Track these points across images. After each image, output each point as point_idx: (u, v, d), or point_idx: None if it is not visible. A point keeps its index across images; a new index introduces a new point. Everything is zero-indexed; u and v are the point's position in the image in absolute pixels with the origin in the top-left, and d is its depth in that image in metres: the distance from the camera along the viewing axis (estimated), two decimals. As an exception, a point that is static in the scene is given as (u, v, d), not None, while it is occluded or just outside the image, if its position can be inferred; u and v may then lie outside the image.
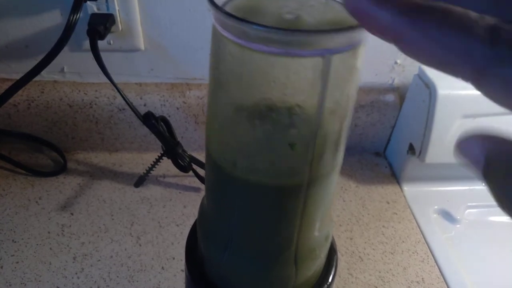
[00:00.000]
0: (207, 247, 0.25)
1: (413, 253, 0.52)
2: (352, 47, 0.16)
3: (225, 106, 0.19)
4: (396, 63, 0.59)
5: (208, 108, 0.20)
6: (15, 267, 0.47)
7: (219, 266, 0.24)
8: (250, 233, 0.22)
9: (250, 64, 0.17)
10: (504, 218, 0.59)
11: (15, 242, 0.50)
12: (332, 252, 0.28)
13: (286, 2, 0.19)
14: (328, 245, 0.25)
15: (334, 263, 0.28)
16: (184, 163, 0.55)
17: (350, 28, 0.15)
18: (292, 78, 0.16)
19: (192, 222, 0.54)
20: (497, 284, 0.51)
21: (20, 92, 0.49)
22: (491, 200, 0.47)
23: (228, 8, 0.18)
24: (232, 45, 0.16)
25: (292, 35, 0.15)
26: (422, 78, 0.56)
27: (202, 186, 0.59)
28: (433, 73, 0.55)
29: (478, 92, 0.46)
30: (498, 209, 0.48)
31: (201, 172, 0.58)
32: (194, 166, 0.57)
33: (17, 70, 0.54)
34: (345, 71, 0.17)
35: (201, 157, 0.58)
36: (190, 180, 0.60)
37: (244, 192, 0.21)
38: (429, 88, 0.54)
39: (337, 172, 0.21)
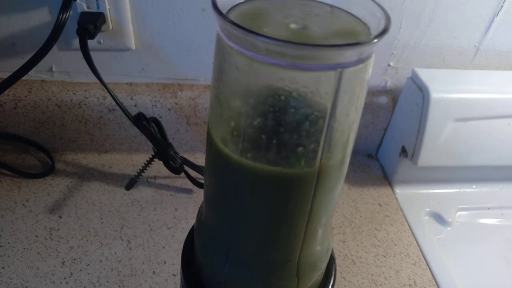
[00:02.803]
0: (206, 258, 0.24)
1: (405, 256, 0.53)
2: (363, 61, 0.16)
3: (229, 119, 0.18)
4: (389, 65, 0.59)
5: (210, 119, 0.19)
6: (1, 273, 0.45)
7: (218, 277, 0.24)
8: (252, 244, 0.22)
9: (258, 76, 0.16)
10: (494, 220, 0.60)
11: (1, 246, 0.48)
12: (331, 261, 0.28)
13: (291, 10, 0.19)
14: (328, 257, 0.25)
15: (333, 272, 0.28)
16: (175, 165, 0.54)
17: (363, 43, 0.14)
18: (301, 92, 0.16)
19: (183, 225, 0.53)
20: (487, 285, 0.51)
21: (6, 91, 0.48)
22: (481, 203, 0.48)
23: (232, 16, 0.18)
24: (239, 56, 0.16)
25: (305, 49, 0.14)
26: (415, 81, 0.56)
27: (194, 188, 0.58)
28: (426, 77, 0.55)
29: (470, 96, 0.46)
30: (488, 212, 0.49)
31: (193, 173, 0.57)
32: (186, 168, 0.56)
33: (3, 68, 0.53)
34: (355, 83, 0.16)
35: (193, 158, 0.57)
36: (182, 182, 0.59)
37: (248, 199, 0.20)
38: (422, 91, 0.54)
39: (342, 182, 0.21)
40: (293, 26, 0.17)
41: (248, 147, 0.18)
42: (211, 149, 0.20)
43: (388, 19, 0.16)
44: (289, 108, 0.16)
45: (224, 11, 0.17)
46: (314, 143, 0.17)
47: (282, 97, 0.16)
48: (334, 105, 0.16)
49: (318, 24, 0.18)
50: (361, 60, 0.16)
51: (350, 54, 0.15)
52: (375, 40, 0.15)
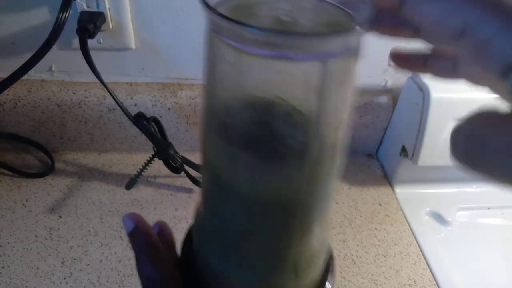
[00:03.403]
0: (203, 257, 0.24)
1: (405, 255, 0.53)
2: (350, 51, 0.16)
3: (221, 112, 0.18)
4: (389, 65, 0.59)
5: (203, 115, 0.19)
6: (1, 272, 0.45)
7: (216, 276, 0.24)
8: (249, 244, 0.22)
9: (246, 68, 0.16)
10: (494, 220, 0.59)
11: (1, 246, 0.48)
12: (329, 257, 0.28)
13: (279, 3, 0.19)
14: (326, 254, 0.25)
15: (331, 268, 0.28)
16: (176, 164, 0.54)
17: (349, 31, 0.15)
18: (289, 82, 0.16)
19: (183, 225, 0.53)
20: (487, 285, 0.51)
21: (6, 91, 0.48)
22: (481, 202, 0.48)
23: (221, 9, 0.18)
24: (228, 48, 0.16)
25: (292, 38, 0.14)
26: (415, 81, 0.56)
27: (194, 187, 0.58)
28: (426, 76, 0.55)
29: (471, 96, 0.47)
30: (488, 211, 0.49)
31: (193, 173, 0.57)
32: (186, 167, 0.56)
33: (3, 68, 0.52)
34: (343, 74, 0.17)
35: (193, 158, 0.57)
36: (182, 181, 0.59)
37: (243, 203, 0.20)
38: (423, 91, 0.54)
39: (335, 176, 0.21)
40: (281, 18, 0.17)
41: (239, 140, 0.18)
42: (205, 143, 0.20)
43: (371, 9, 0.17)
44: (277, 99, 0.17)
45: (211, 4, 0.17)
46: (305, 134, 0.17)
47: (271, 89, 0.16)
48: (322, 96, 0.16)
49: (306, 16, 0.18)
50: (348, 50, 0.16)
51: (336, 43, 0.15)
52: (358, 28, 0.15)
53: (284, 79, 0.16)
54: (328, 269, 0.27)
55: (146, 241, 0.24)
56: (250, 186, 0.20)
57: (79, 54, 0.47)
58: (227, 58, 0.16)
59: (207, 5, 0.15)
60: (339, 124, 0.18)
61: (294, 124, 0.17)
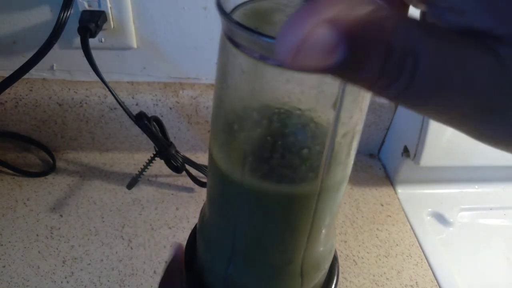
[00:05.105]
0: (209, 259, 0.24)
1: (407, 256, 0.52)
2: None
3: (234, 120, 0.18)
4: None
5: (213, 120, 0.19)
6: (2, 271, 0.45)
7: (221, 279, 0.24)
8: (256, 246, 0.22)
9: (264, 78, 0.16)
10: (496, 220, 0.59)
11: (2, 245, 0.48)
12: (334, 261, 0.28)
13: (294, 10, 0.19)
14: (332, 257, 0.25)
15: (336, 271, 0.28)
16: (177, 164, 0.54)
17: None
18: (307, 93, 0.16)
19: (185, 224, 0.53)
20: (489, 286, 0.51)
21: (7, 90, 0.48)
22: (483, 203, 0.48)
23: (236, 16, 0.18)
24: (244, 58, 0.15)
25: None
26: (417, 81, 0.56)
27: (196, 187, 0.58)
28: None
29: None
30: (491, 212, 0.48)
31: (194, 172, 0.57)
32: (187, 167, 0.56)
33: (4, 67, 0.52)
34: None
35: (194, 157, 0.57)
36: (183, 180, 0.59)
37: (252, 203, 0.20)
38: (425, 91, 0.54)
39: (346, 183, 0.21)
40: None
41: (251, 150, 0.18)
42: (213, 151, 0.20)
43: None
44: (294, 110, 0.16)
45: (227, 11, 0.17)
46: (319, 145, 0.17)
47: (287, 99, 0.16)
48: (339, 106, 0.16)
49: None
50: None
51: None
52: None
53: (301, 89, 0.16)
54: (332, 273, 0.27)
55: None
56: (261, 194, 0.19)
57: (80, 53, 0.47)
58: (243, 67, 0.16)
59: (224, 13, 0.15)
60: (354, 132, 0.18)
61: (310, 134, 0.17)
